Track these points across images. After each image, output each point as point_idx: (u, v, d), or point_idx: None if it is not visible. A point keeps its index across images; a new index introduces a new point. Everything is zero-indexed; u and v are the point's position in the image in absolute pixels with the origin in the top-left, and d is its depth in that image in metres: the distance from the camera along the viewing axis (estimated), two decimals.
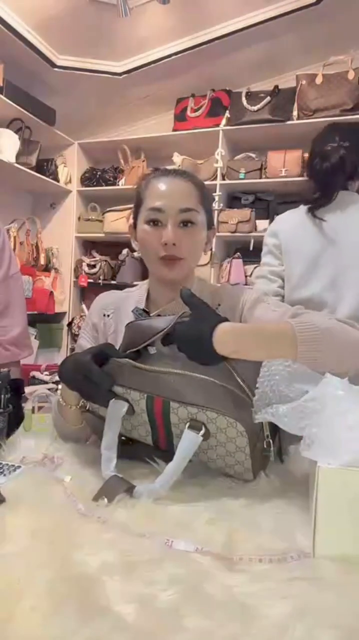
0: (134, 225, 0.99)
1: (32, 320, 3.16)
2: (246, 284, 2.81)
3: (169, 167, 1.02)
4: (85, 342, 1.04)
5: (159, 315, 0.82)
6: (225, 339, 0.69)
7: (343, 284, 1.43)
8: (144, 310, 0.93)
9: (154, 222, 0.91)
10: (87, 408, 0.84)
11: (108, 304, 1.05)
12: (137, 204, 0.97)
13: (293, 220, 1.54)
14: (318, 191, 1.50)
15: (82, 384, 0.75)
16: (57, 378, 2.30)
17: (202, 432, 0.70)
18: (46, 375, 2.42)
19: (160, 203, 0.90)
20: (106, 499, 0.66)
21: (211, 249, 2.83)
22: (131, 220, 1.00)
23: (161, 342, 0.74)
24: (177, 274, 0.92)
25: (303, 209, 1.54)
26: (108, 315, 1.02)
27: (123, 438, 0.81)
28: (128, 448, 0.82)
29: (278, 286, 1.52)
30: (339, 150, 1.48)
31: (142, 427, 0.78)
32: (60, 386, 0.87)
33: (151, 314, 0.93)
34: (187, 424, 0.70)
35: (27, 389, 2.13)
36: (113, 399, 0.75)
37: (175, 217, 0.90)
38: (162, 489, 0.68)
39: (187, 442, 0.70)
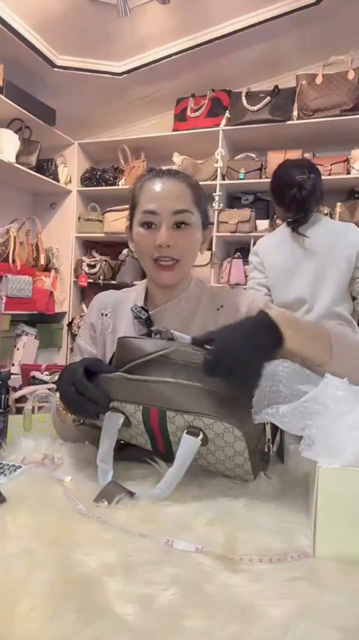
0: (130, 228, 0.99)
1: (32, 320, 3.16)
2: (245, 284, 2.81)
3: (164, 168, 1.00)
4: (84, 342, 1.05)
5: (151, 334, 0.81)
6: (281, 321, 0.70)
7: (321, 284, 1.76)
8: (142, 307, 0.93)
9: (148, 225, 0.91)
10: (81, 422, 0.83)
11: (106, 304, 1.05)
12: (132, 206, 0.97)
13: (271, 242, 1.90)
14: (296, 214, 1.80)
15: (79, 401, 0.74)
16: (57, 378, 2.29)
17: (200, 437, 0.70)
18: (46, 375, 2.42)
19: (153, 206, 0.90)
20: (105, 502, 0.66)
21: (211, 250, 2.85)
22: (127, 222, 1.01)
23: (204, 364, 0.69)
24: (171, 278, 0.93)
25: (279, 230, 1.90)
26: (106, 315, 1.02)
27: (122, 442, 0.80)
28: (127, 450, 0.82)
29: (264, 294, 1.85)
30: (310, 181, 1.78)
31: (141, 437, 0.77)
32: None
33: (150, 311, 0.94)
34: (185, 431, 0.70)
35: (27, 389, 2.13)
36: (109, 412, 0.74)
37: (169, 219, 0.90)
38: (164, 494, 0.68)
39: (186, 447, 0.70)
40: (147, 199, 0.91)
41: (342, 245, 1.75)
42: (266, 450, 0.74)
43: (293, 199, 1.77)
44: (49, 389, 2.08)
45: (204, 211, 0.97)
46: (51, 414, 0.99)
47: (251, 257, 1.93)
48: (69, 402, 0.76)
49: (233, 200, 3.04)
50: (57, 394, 0.83)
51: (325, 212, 2.67)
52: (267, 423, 0.73)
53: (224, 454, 0.72)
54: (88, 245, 3.51)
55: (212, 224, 2.78)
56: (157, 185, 0.92)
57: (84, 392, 0.73)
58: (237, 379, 0.66)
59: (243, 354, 0.66)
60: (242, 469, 0.73)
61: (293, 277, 1.78)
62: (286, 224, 1.83)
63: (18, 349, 2.96)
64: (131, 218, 0.97)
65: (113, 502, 0.66)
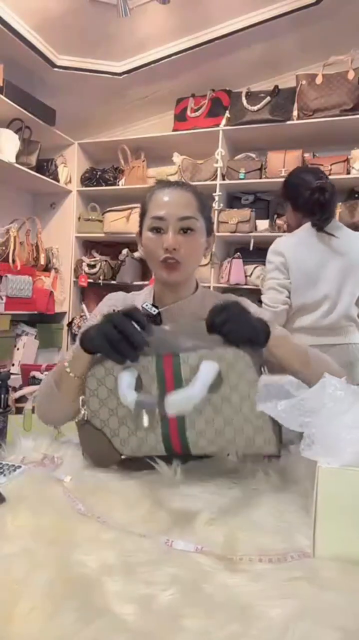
0: (140, 233, 1.06)
1: (32, 320, 3.16)
2: (245, 284, 2.81)
3: (171, 180, 1.10)
4: None
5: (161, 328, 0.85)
6: (276, 333, 0.81)
7: (345, 285, 1.79)
8: (152, 304, 1.00)
9: (156, 230, 0.98)
10: (85, 419, 0.81)
11: (117, 301, 1.10)
12: (142, 213, 1.05)
13: (296, 243, 1.85)
14: (321, 215, 1.81)
15: (117, 340, 0.73)
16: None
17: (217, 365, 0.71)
18: (46, 375, 2.42)
19: (161, 212, 0.97)
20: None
21: (212, 250, 2.85)
22: (137, 228, 1.08)
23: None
24: (176, 277, 0.99)
25: (301, 233, 1.86)
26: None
27: (123, 456, 0.78)
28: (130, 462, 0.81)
29: (285, 296, 1.82)
30: (328, 185, 1.83)
31: (152, 435, 0.74)
32: (69, 356, 0.86)
33: (160, 308, 1.00)
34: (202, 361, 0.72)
35: (27, 389, 2.13)
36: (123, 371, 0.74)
37: (175, 224, 0.97)
38: (196, 391, 0.68)
39: (205, 366, 0.70)
40: (156, 207, 0.99)
41: None
42: None
43: (316, 202, 1.81)
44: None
45: (208, 219, 1.04)
46: (37, 393, 0.97)
47: (273, 257, 1.87)
48: (104, 341, 0.74)
49: (233, 200, 3.03)
50: (68, 357, 0.84)
51: None
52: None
53: (238, 395, 0.71)
54: (88, 245, 3.51)
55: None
56: (166, 194, 0.99)
57: (125, 330, 0.73)
58: (233, 330, 0.75)
59: (242, 316, 0.77)
60: (263, 434, 0.71)
61: (319, 278, 1.80)
62: (311, 224, 1.83)
63: (18, 349, 2.96)
64: (141, 224, 1.05)
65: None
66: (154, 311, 0.99)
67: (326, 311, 1.79)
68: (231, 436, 0.72)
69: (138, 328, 0.74)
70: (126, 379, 0.73)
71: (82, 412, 0.80)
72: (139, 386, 0.73)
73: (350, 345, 1.80)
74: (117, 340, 0.73)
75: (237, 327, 0.75)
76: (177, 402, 0.67)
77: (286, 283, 1.82)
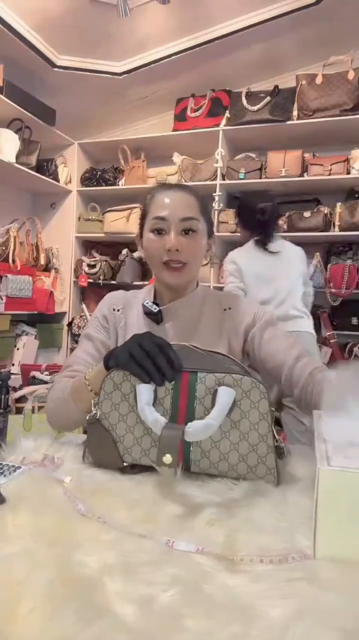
0: (141, 235, 1.06)
1: (32, 320, 3.16)
2: None
3: (171, 180, 1.12)
4: (94, 332, 1.07)
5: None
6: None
7: (289, 283, 2.20)
8: (154, 302, 1.02)
9: (158, 231, 0.98)
10: (96, 418, 0.80)
11: (117, 300, 1.10)
12: (143, 215, 1.04)
13: (243, 253, 2.29)
14: (260, 235, 2.25)
15: (150, 362, 0.74)
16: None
17: (234, 392, 0.71)
18: (46, 375, 2.42)
19: (164, 213, 0.97)
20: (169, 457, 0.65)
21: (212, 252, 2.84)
22: (138, 230, 1.07)
23: None
24: (180, 279, 1.00)
25: (247, 246, 2.29)
26: (118, 310, 1.08)
27: (125, 464, 0.78)
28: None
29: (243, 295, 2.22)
30: (269, 207, 2.24)
31: (155, 450, 0.74)
32: (92, 370, 0.87)
33: (161, 306, 1.01)
34: (219, 385, 0.72)
35: (27, 389, 2.13)
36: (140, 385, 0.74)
37: (177, 225, 0.96)
38: (215, 422, 0.68)
39: (224, 395, 0.70)
40: (157, 208, 0.99)
41: (300, 263, 2.26)
42: (276, 440, 0.74)
43: (258, 221, 2.23)
44: (49, 389, 2.08)
45: (209, 220, 1.05)
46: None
47: (229, 266, 2.29)
48: (133, 364, 0.75)
49: (233, 200, 3.03)
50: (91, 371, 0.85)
51: (325, 212, 2.68)
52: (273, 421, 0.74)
53: (248, 422, 0.71)
54: (88, 245, 3.51)
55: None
56: (167, 196, 0.99)
57: (168, 352, 0.75)
58: None
59: None
60: (265, 464, 0.71)
61: (268, 278, 2.19)
62: (254, 242, 2.25)
63: (18, 349, 2.96)
64: (142, 226, 1.05)
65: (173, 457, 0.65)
66: (155, 309, 1.00)
67: (277, 303, 2.15)
68: (234, 462, 0.73)
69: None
70: (144, 395, 0.73)
71: (94, 411, 0.80)
72: (153, 398, 0.74)
73: (301, 332, 2.12)
74: (148, 366, 0.74)
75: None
76: (198, 431, 0.67)
77: (241, 285, 2.22)
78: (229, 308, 1.05)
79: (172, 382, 0.74)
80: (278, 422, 0.76)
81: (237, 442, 0.72)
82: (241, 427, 0.72)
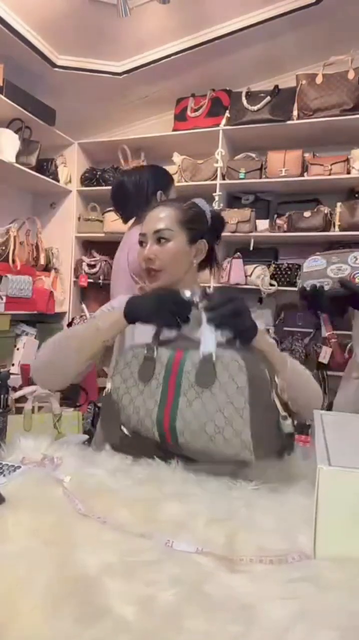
0: None
1: (32, 320, 3.16)
2: (245, 284, 2.81)
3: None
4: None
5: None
6: (262, 335, 0.88)
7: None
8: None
9: (141, 244, 1.12)
10: (110, 392, 0.89)
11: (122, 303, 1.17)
12: None
13: None
14: None
15: (167, 310, 0.88)
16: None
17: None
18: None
19: (144, 229, 1.11)
20: None
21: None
22: None
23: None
24: (155, 284, 1.09)
25: None
26: None
27: (124, 431, 0.86)
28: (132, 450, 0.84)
29: None
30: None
31: (149, 420, 0.81)
32: (104, 320, 0.97)
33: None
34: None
35: (27, 389, 2.13)
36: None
37: (152, 236, 1.09)
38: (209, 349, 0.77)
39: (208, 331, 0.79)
40: (143, 225, 1.13)
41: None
42: (280, 420, 0.77)
43: None
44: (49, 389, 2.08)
45: (193, 229, 1.11)
46: (56, 342, 1.03)
47: None
48: (158, 308, 0.89)
49: (233, 200, 3.03)
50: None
51: (325, 212, 2.68)
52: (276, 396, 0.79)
53: (225, 395, 0.74)
54: (88, 245, 3.50)
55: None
56: (149, 214, 1.13)
57: (176, 301, 0.88)
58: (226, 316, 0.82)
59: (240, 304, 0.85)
60: (240, 437, 0.72)
61: None
62: None
63: (18, 349, 2.96)
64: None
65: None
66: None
67: None
68: (211, 432, 0.75)
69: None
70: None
71: (108, 385, 0.89)
72: (151, 372, 0.84)
73: None
74: (168, 314, 0.88)
75: (233, 315, 0.82)
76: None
77: None
78: None
79: (167, 359, 0.83)
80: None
81: (214, 414, 0.75)
82: (219, 399, 0.75)
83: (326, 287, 1.37)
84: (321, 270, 1.40)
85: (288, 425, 0.78)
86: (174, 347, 0.86)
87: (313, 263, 1.43)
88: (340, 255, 1.40)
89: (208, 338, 0.79)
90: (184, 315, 0.88)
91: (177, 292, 0.90)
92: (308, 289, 1.40)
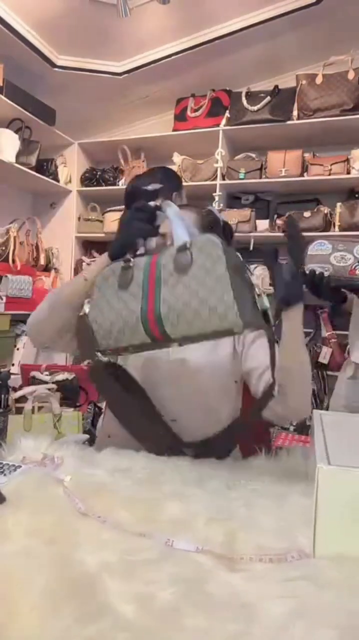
0: None
1: None
2: None
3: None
4: None
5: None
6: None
7: None
8: None
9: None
10: (85, 313, 0.90)
11: None
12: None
13: None
14: None
15: (135, 219, 0.90)
16: (57, 378, 2.29)
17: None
18: (46, 375, 2.41)
19: (164, 228, 1.07)
20: None
21: None
22: None
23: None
24: None
25: None
26: None
27: (100, 351, 0.87)
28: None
29: None
30: None
31: (132, 316, 0.81)
32: (97, 264, 0.95)
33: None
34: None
35: (27, 389, 2.13)
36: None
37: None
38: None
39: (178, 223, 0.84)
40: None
41: None
42: (255, 297, 0.80)
43: None
44: (49, 389, 2.08)
45: (212, 232, 1.11)
46: (54, 297, 1.03)
47: None
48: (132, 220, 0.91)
49: (233, 200, 3.03)
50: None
51: (325, 212, 2.68)
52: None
53: (204, 270, 0.76)
54: (88, 245, 3.50)
55: None
56: None
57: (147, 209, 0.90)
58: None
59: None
60: (224, 302, 0.73)
61: None
62: None
63: (18, 349, 2.96)
64: None
65: None
66: None
67: None
68: (196, 306, 0.75)
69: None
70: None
71: (86, 308, 0.89)
72: (130, 279, 0.84)
73: None
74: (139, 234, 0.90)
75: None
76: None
77: None
78: None
79: (144, 263, 0.84)
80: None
81: (197, 289, 0.76)
82: (198, 276, 0.76)
83: (326, 274, 1.37)
84: (325, 255, 1.39)
85: (263, 301, 0.81)
86: (150, 254, 0.88)
87: (319, 247, 1.42)
88: (347, 244, 1.40)
89: (179, 228, 0.83)
90: (150, 217, 0.89)
91: (140, 201, 0.92)
92: (307, 272, 1.40)
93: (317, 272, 1.38)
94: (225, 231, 1.17)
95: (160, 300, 0.79)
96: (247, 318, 0.74)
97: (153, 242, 0.91)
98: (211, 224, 1.12)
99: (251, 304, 0.78)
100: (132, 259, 0.85)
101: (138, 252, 0.90)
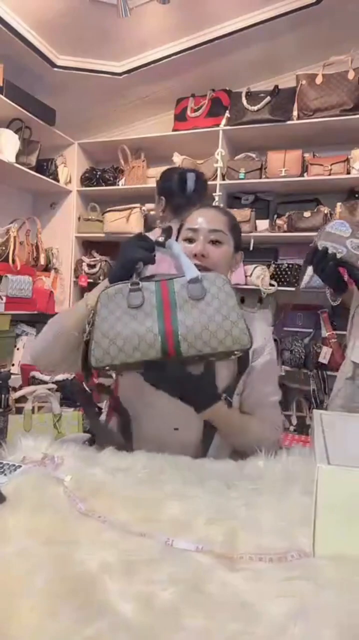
0: None
1: (32, 320, 3.16)
2: (245, 284, 2.81)
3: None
4: None
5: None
6: (219, 411, 0.99)
7: None
8: None
9: (189, 240, 1.11)
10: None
11: None
12: (179, 228, 1.19)
13: None
14: None
15: (133, 246, 0.95)
16: (57, 378, 2.30)
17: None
18: (46, 375, 2.42)
19: (195, 225, 1.11)
20: None
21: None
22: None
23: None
24: None
25: None
26: None
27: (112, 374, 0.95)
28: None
29: None
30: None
31: (150, 334, 0.86)
32: (98, 289, 0.98)
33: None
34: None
35: (27, 389, 2.14)
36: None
37: (206, 235, 1.09)
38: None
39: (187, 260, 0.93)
40: (191, 221, 1.14)
41: None
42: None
43: None
44: (49, 389, 2.09)
45: (237, 239, 1.16)
46: (60, 323, 1.09)
47: None
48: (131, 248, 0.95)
49: (233, 200, 3.03)
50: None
51: (325, 212, 2.68)
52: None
53: (219, 301, 0.88)
54: (88, 245, 3.50)
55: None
56: (201, 212, 1.15)
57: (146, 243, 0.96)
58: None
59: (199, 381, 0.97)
60: (238, 327, 0.86)
61: None
62: None
63: (18, 349, 2.96)
64: (177, 237, 1.19)
65: None
66: None
67: None
68: (213, 329, 0.86)
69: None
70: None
71: (87, 327, 0.92)
72: (141, 299, 0.89)
73: None
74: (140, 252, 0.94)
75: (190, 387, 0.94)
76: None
77: None
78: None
79: (155, 288, 0.91)
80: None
81: (214, 315, 0.87)
82: (213, 304, 0.88)
83: (339, 256, 1.37)
84: (342, 237, 1.38)
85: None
86: (155, 280, 0.93)
87: (339, 227, 1.41)
88: None
89: (189, 265, 0.91)
90: (150, 246, 0.95)
91: (139, 234, 0.99)
92: (320, 249, 1.40)
93: (330, 252, 1.37)
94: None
95: (177, 322, 0.87)
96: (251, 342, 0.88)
97: (147, 269, 0.97)
98: (237, 227, 1.18)
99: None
100: (139, 282, 0.90)
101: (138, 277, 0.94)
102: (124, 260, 0.95)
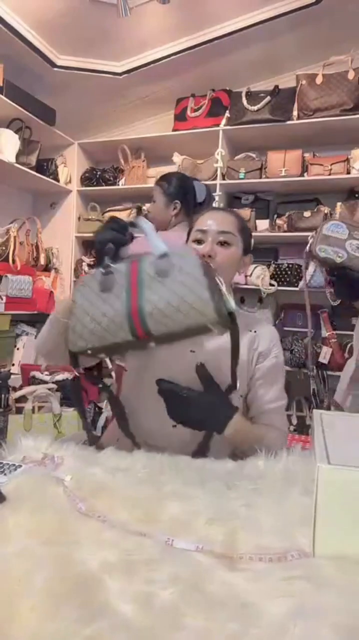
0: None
1: (32, 320, 3.16)
2: (245, 284, 2.81)
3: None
4: None
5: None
6: (237, 426, 0.98)
7: None
8: None
9: (198, 242, 1.12)
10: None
11: None
12: (189, 232, 1.19)
13: None
14: None
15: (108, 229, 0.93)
16: (57, 378, 2.30)
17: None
18: (46, 375, 2.42)
19: (204, 227, 1.12)
20: None
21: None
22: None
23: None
24: None
25: None
26: None
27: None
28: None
29: None
30: None
31: (118, 315, 0.84)
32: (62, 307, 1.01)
33: None
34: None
35: (27, 389, 2.14)
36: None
37: (214, 236, 1.10)
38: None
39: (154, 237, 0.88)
40: (201, 223, 1.14)
41: None
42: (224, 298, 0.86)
43: None
44: (49, 389, 2.09)
45: (246, 241, 1.16)
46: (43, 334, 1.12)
47: None
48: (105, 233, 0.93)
49: (233, 200, 3.03)
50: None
51: (325, 212, 2.68)
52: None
53: (184, 273, 0.83)
54: (88, 245, 3.51)
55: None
56: (210, 214, 1.16)
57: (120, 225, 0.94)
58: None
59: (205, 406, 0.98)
60: (201, 299, 0.81)
61: None
62: None
63: (18, 349, 2.96)
64: (187, 238, 1.20)
65: None
66: None
67: None
68: (177, 303, 0.82)
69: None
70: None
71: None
72: (112, 283, 0.87)
73: None
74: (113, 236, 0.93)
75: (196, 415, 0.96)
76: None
77: None
78: (255, 331, 1.14)
79: (125, 269, 0.89)
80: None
81: (178, 289, 0.83)
82: (178, 278, 0.83)
83: (338, 260, 1.33)
84: (341, 240, 1.34)
85: (230, 303, 0.86)
86: (127, 261, 0.91)
87: (336, 228, 1.37)
88: None
89: (156, 240, 0.88)
90: (121, 227, 0.93)
91: (112, 217, 0.97)
92: (321, 254, 1.35)
93: (329, 257, 1.33)
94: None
95: (143, 300, 0.84)
96: (219, 316, 0.82)
97: (127, 250, 0.95)
98: (247, 231, 1.17)
99: (221, 305, 0.85)
100: (111, 265, 0.89)
101: (117, 260, 0.93)
102: (96, 244, 0.95)
